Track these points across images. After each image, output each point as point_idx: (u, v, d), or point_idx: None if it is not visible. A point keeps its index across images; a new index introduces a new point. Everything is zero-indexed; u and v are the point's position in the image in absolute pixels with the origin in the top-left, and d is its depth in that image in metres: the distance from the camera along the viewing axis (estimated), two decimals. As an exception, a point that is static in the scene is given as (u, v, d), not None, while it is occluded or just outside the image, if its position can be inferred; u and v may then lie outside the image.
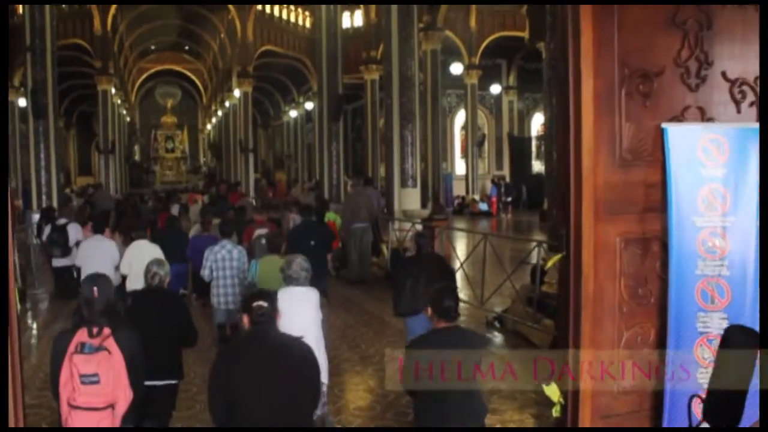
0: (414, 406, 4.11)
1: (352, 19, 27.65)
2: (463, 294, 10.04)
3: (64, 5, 25.31)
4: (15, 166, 22.49)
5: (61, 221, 11.07)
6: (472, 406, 3.90)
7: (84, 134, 40.56)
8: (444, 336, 3.92)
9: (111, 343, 3.61)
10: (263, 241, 7.85)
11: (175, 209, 15.01)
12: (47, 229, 11.03)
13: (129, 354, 3.68)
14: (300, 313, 4.93)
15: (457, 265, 9.71)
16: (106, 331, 3.62)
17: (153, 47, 38.09)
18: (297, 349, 3.67)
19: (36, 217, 13.92)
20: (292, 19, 29.68)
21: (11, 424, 3.18)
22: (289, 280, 5.11)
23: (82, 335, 3.60)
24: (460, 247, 10.85)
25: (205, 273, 7.51)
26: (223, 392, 3.47)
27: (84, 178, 38.41)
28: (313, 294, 5.17)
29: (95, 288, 3.70)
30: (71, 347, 3.56)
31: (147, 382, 4.65)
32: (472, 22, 26.98)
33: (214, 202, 16.20)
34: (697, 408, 3.40)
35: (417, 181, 11.93)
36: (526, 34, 25.64)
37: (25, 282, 11.02)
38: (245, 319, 3.68)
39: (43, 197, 15.30)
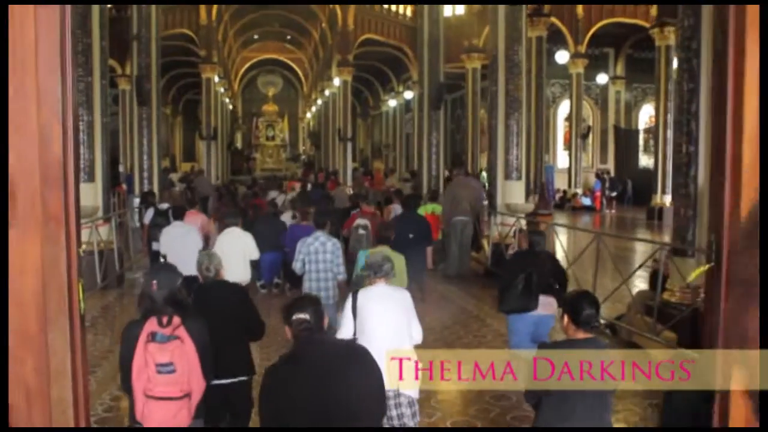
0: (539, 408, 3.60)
1: (454, 7, 26.94)
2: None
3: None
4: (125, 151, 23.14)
5: (164, 206, 11.15)
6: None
7: (190, 121, 41.72)
8: (581, 348, 3.41)
9: (182, 332, 3.57)
10: (360, 231, 7.48)
11: (280, 198, 14.93)
12: (149, 213, 11.16)
13: (199, 342, 3.63)
14: (383, 316, 4.45)
15: (564, 265, 9.00)
16: (177, 319, 3.57)
17: (256, 36, 38.62)
18: (351, 359, 3.21)
19: (137, 201, 14.15)
20: (393, 8, 29.28)
21: (74, 424, 2.84)
22: (372, 275, 4.62)
23: (152, 325, 3.56)
24: (567, 244, 10.13)
25: (297, 266, 7.16)
26: (273, 418, 3.07)
27: (188, 164, 39.49)
28: (400, 295, 4.63)
29: (154, 282, 3.65)
30: (142, 336, 3.52)
31: (218, 381, 4.39)
32: (579, 9, 25.77)
33: (304, 191, 15.96)
34: None
35: (522, 173, 11.23)
36: (639, 20, 24.61)
37: (123, 265, 11.10)
38: (287, 331, 3.26)
39: (145, 182, 15.56)
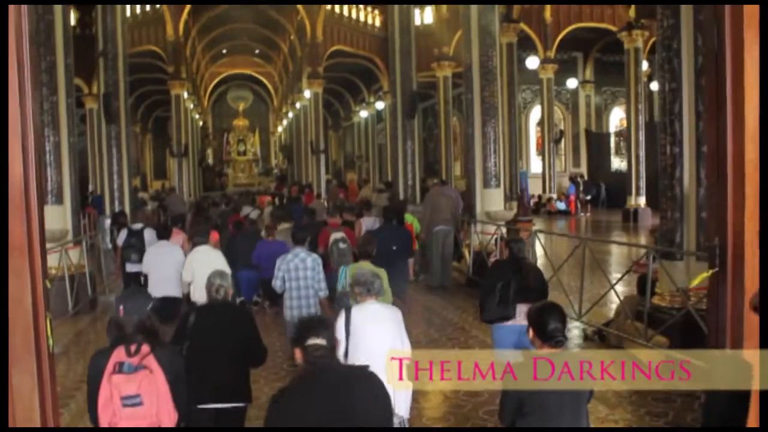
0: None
1: (422, 16, 26.91)
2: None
3: (138, 11, 25.58)
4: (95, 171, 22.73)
5: (137, 226, 10.85)
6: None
7: (159, 139, 41.23)
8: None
9: (151, 361, 3.36)
10: (341, 245, 7.26)
11: (254, 213, 14.67)
12: (123, 234, 10.86)
13: (171, 372, 3.42)
14: (377, 333, 4.37)
15: (550, 271, 8.89)
16: (145, 348, 3.37)
17: (224, 51, 38.34)
18: (363, 386, 3.06)
19: (108, 222, 13.81)
20: (362, 18, 29.21)
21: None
22: (364, 293, 4.54)
23: (119, 354, 3.35)
24: (549, 250, 10.01)
25: (276, 284, 6.92)
26: None
27: (159, 182, 39.01)
28: (393, 312, 4.57)
29: (122, 307, 3.45)
30: (109, 367, 3.32)
31: (212, 405, 4.27)
32: (548, 14, 25.89)
33: (282, 206, 15.75)
34: None
35: (500, 180, 11.11)
36: (606, 24, 24.77)
37: (95, 289, 10.77)
38: (298, 355, 3.09)
39: (116, 202, 15.21)
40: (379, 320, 4.43)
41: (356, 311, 4.46)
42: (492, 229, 10.79)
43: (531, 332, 3.42)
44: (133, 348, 3.35)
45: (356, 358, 4.22)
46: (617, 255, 13.90)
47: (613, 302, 8.40)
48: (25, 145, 2.37)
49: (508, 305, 6.06)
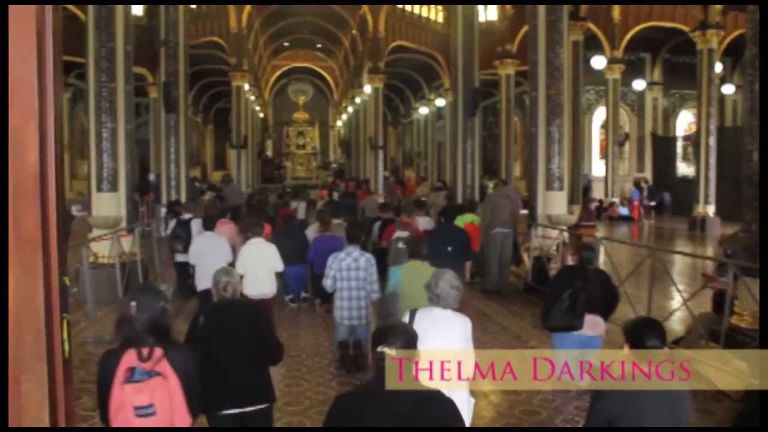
0: None
1: (486, 13, 26.39)
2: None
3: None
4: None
5: (185, 216, 10.81)
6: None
7: (220, 130, 41.67)
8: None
9: (164, 366, 3.13)
10: (400, 245, 6.96)
11: (301, 207, 14.48)
12: (172, 224, 10.85)
13: (185, 374, 3.20)
14: (443, 343, 4.02)
15: (615, 282, 8.39)
16: (158, 352, 3.14)
17: (286, 44, 38.45)
18: (433, 409, 2.77)
19: (164, 210, 13.83)
20: (424, 14, 28.85)
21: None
22: (435, 300, 4.18)
23: (130, 358, 3.12)
24: (614, 258, 9.47)
25: (327, 283, 6.66)
26: None
27: (219, 172, 39.42)
28: (461, 321, 4.20)
29: (134, 304, 3.20)
30: (119, 372, 3.10)
31: (234, 410, 4.07)
32: (616, 13, 25.04)
33: (331, 201, 15.51)
34: None
35: (564, 183, 10.61)
36: (677, 24, 23.79)
37: (147, 277, 10.72)
38: (370, 359, 2.89)
39: (172, 191, 15.23)
40: (446, 328, 4.09)
41: (421, 315, 4.13)
42: (554, 233, 10.31)
43: (626, 347, 3.20)
44: (145, 352, 3.13)
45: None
46: (683, 265, 13.23)
47: (690, 319, 7.82)
48: (44, 128, 2.11)
49: (576, 315, 5.81)
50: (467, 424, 4.13)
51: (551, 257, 10.10)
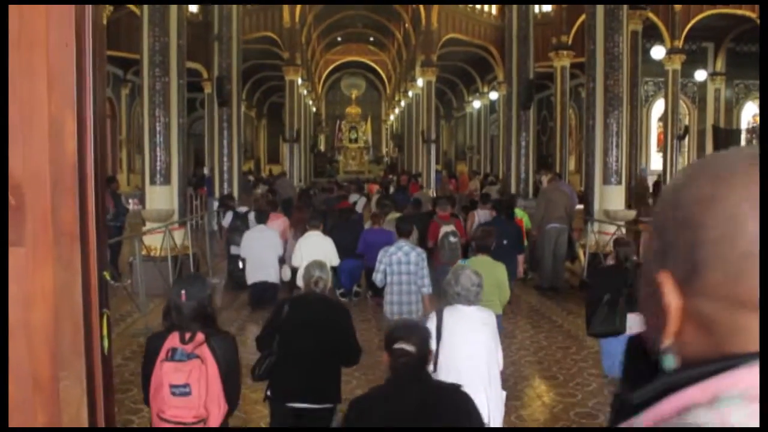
0: None
1: (540, 5, 25.91)
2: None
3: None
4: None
5: (242, 209, 10.90)
6: None
7: (274, 124, 41.98)
8: None
9: (204, 351, 3.27)
10: (452, 239, 6.87)
11: (361, 201, 14.45)
12: (229, 216, 10.95)
13: (225, 362, 3.31)
14: (473, 340, 3.96)
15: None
16: (200, 336, 3.28)
17: (339, 39, 38.54)
18: (451, 407, 2.71)
19: (216, 204, 13.95)
20: (478, 7, 28.49)
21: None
22: (456, 298, 4.09)
23: (173, 340, 3.29)
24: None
25: (377, 277, 6.55)
26: None
27: (272, 166, 39.78)
28: (488, 316, 4.14)
29: (183, 291, 3.34)
30: (161, 353, 3.27)
31: (298, 404, 4.06)
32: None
33: (387, 195, 15.48)
34: None
35: (622, 177, 10.28)
36: (744, 11, 22.88)
37: (199, 270, 10.80)
38: (385, 358, 2.85)
39: (225, 184, 15.36)
40: (473, 324, 4.04)
41: (448, 312, 4.07)
42: (611, 229, 10.01)
43: None
44: (187, 335, 3.26)
45: (446, 365, 3.87)
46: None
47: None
48: (82, 118, 2.04)
49: (616, 319, 5.57)
50: (500, 418, 4.04)
51: (608, 253, 9.80)
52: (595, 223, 10.41)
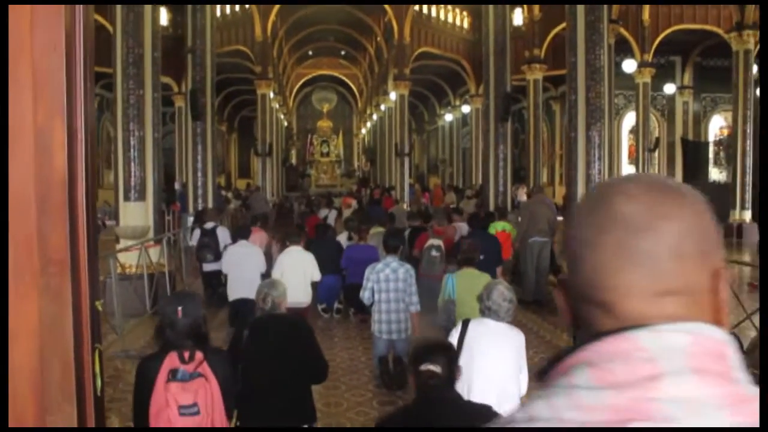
0: None
1: (512, 17, 26.05)
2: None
3: (227, 11, 25.76)
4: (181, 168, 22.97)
5: (209, 225, 10.58)
6: None
7: (245, 138, 41.67)
8: None
9: (206, 369, 3.23)
10: (433, 253, 6.75)
11: (331, 215, 14.23)
12: (197, 233, 10.65)
13: (223, 378, 3.30)
14: (494, 356, 3.85)
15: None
16: (199, 355, 3.23)
17: (310, 53, 38.40)
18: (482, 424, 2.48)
19: (191, 220, 13.64)
20: (450, 20, 28.58)
21: None
22: (486, 313, 3.99)
23: (172, 361, 3.21)
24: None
25: (365, 295, 6.35)
26: None
27: (243, 180, 39.41)
28: (515, 335, 4.04)
29: (180, 308, 3.28)
30: (162, 374, 3.19)
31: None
32: (646, 15, 24.57)
33: (361, 209, 15.32)
34: None
35: (604, 189, 10.20)
36: (710, 26, 23.21)
37: (175, 288, 10.49)
38: (411, 380, 2.74)
39: (199, 200, 15.04)
40: (497, 340, 3.93)
41: (474, 326, 3.96)
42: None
43: None
44: (186, 354, 3.21)
45: (467, 380, 3.72)
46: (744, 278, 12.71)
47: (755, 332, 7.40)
48: (72, 127, 1.82)
49: None
50: None
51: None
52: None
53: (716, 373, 0.72)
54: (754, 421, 0.70)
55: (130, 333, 8.07)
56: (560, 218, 11.79)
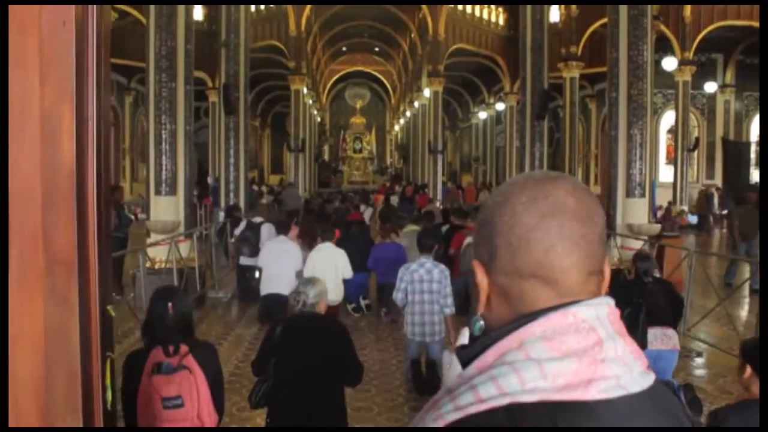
0: None
1: (548, 14, 25.60)
2: (706, 334, 8.03)
3: (262, 7, 25.74)
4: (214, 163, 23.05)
5: (257, 220, 10.55)
6: None
7: (278, 134, 41.75)
8: None
9: (191, 361, 3.23)
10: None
11: (367, 213, 14.10)
12: (242, 226, 10.62)
13: (210, 372, 3.30)
14: None
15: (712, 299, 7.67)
16: (184, 348, 3.24)
17: (344, 48, 38.29)
18: None
19: (222, 214, 13.57)
20: (485, 16, 28.22)
21: None
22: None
23: (157, 354, 3.23)
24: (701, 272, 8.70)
25: (398, 296, 6.13)
26: None
27: (276, 176, 39.49)
28: None
29: (170, 304, 3.29)
30: (147, 367, 3.21)
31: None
32: (687, 12, 23.96)
33: (389, 205, 15.13)
34: None
35: (645, 190, 9.86)
36: (754, 22, 22.53)
37: (205, 284, 10.39)
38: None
39: (231, 194, 14.98)
40: None
41: None
42: (636, 244, 9.59)
43: (748, 370, 2.85)
44: (171, 348, 3.22)
45: None
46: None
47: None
48: (82, 113, 1.64)
49: (638, 334, 5.34)
50: None
51: (632, 270, 9.38)
52: (618, 238, 9.98)
53: (624, 333, 0.90)
54: (646, 366, 0.90)
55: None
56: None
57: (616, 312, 0.91)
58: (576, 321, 0.87)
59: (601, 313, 0.88)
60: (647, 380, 0.88)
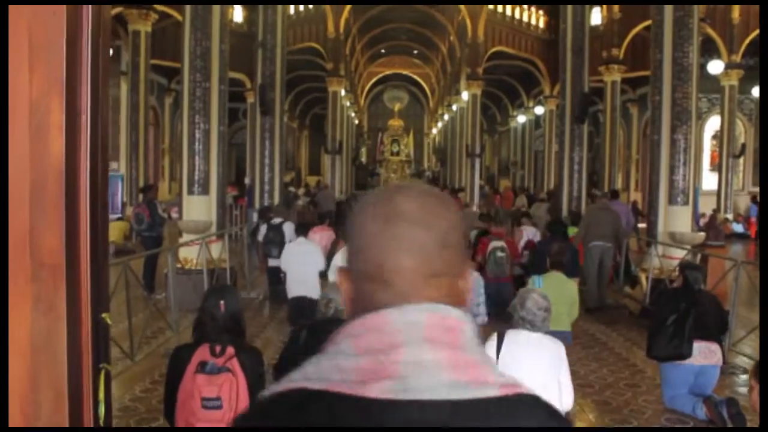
0: None
1: (590, 16, 25.18)
2: (753, 350, 7.71)
3: (300, 8, 25.78)
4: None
5: (276, 220, 10.51)
6: None
7: (316, 135, 41.87)
8: None
9: (235, 364, 3.26)
10: (498, 254, 6.47)
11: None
12: (263, 228, 10.59)
13: (253, 375, 3.31)
14: (530, 368, 3.55)
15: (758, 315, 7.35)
16: (230, 350, 3.27)
17: (383, 51, 38.25)
18: None
19: (255, 215, 13.56)
20: (525, 19, 27.89)
21: None
22: (521, 323, 3.76)
23: (203, 353, 3.26)
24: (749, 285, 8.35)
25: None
26: None
27: (313, 177, 39.59)
28: (552, 345, 3.72)
29: (222, 302, 3.32)
30: (192, 364, 3.24)
31: None
32: (735, 14, 23.33)
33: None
34: None
35: (689, 197, 9.54)
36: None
37: (236, 285, 10.36)
38: None
39: (266, 195, 14.96)
40: (534, 352, 3.68)
41: (509, 337, 3.73)
42: (677, 253, 9.26)
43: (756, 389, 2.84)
44: (218, 348, 3.24)
45: None
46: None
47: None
48: (73, 106, 1.51)
49: (683, 342, 5.24)
50: None
51: (673, 279, 9.06)
52: (659, 246, 9.66)
53: (444, 342, 0.89)
54: (472, 380, 0.88)
55: (187, 329, 7.92)
56: (642, 225, 11.21)
57: (443, 319, 0.91)
58: (382, 322, 0.91)
59: (414, 318, 0.90)
60: (462, 393, 0.86)
